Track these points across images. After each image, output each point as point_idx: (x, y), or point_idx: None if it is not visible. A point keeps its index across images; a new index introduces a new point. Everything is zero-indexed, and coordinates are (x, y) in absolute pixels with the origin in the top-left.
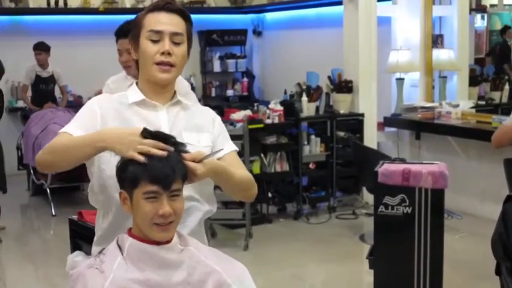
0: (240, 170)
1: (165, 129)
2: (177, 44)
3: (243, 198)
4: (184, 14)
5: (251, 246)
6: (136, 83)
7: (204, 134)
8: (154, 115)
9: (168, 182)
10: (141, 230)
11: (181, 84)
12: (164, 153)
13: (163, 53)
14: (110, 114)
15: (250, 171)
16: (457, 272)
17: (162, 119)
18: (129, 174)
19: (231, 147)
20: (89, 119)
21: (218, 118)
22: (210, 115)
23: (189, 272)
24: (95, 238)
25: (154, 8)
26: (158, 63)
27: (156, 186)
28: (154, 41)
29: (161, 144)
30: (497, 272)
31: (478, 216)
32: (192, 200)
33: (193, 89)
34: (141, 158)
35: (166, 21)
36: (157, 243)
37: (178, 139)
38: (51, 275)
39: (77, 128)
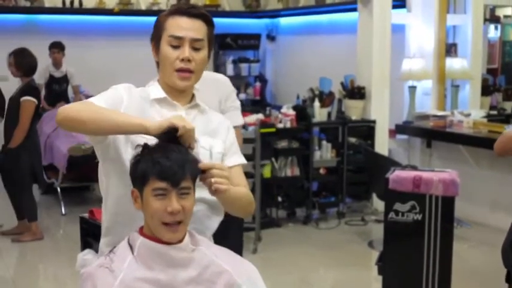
0: (242, 188)
1: None
2: (197, 49)
3: (240, 215)
4: (206, 18)
5: (260, 249)
6: (158, 81)
7: (218, 140)
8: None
9: (177, 179)
10: (151, 230)
11: (223, 84)
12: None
13: (183, 60)
14: (133, 106)
15: (261, 175)
16: (466, 281)
17: None
18: (139, 171)
19: (239, 159)
20: (114, 101)
21: (232, 128)
22: (225, 123)
23: (199, 272)
24: (102, 230)
25: (176, 11)
26: (178, 70)
27: (164, 182)
28: (175, 47)
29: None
30: (508, 279)
31: (488, 226)
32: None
33: None
34: (180, 124)
35: (188, 27)
36: (169, 242)
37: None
38: (60, 274)
39: (104, 102)
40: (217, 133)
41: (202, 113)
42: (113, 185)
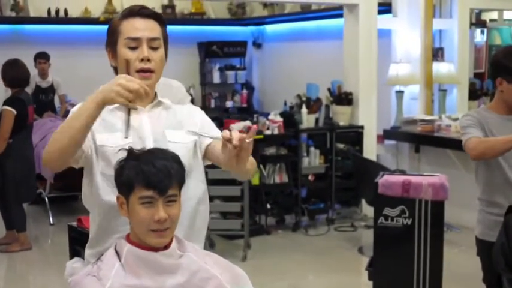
0: None
1: (148, 131)
2: (154, 48)
3: (245, 176)
4: (159, 18)
5: (249, 257)
6: None
7: (189, 129)
8: (137, 118)
9: (164, 187)
10: (138, 236)
11: (177, 90)
12: (146, 88)
13: (142, 60)
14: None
15: (249, 182)
16: (456, 285)
17: (144, 121)
18: (125, 178)
19: (218, 134)
20: None
21: (200, 111)
22: (191, 110)
23: (187, 278)
24: (88, 241)
25: (129, 14)
26: (138, 71)
27: (151, 191)
28: (132, 48)
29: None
30: (485, 280)
31: None
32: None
33: (192, 100)
34: (127, 104)
35: (143, 27)
36: (155, 249)
37: (161, 138)
38: (49, 283)
39: None
40: (185, 123)
41: (167, 109)
42: (94, 197)
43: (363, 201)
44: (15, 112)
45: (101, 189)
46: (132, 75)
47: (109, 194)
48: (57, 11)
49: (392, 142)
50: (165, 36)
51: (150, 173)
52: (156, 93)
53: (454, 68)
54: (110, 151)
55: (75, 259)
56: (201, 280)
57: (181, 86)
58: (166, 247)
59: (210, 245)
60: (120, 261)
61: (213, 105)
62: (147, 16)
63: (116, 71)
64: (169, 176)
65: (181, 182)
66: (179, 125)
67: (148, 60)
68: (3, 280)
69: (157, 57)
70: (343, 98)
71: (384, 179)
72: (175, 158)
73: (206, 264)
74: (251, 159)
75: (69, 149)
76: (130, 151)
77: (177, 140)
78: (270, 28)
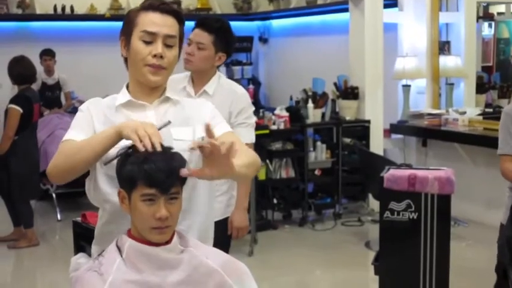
0: (242, 158)
1: None
2: (169, 46)
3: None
4: (178, 15)
5: (256, 252)
6: (127, 85)
7: (197, 125)
8: (142, 116)
9: (167, 186)
10: (139, 231)
11: (240, 97)
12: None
13: (155, 56)
14: (100, 119)
15: (256, 177)
16: (464, 279)
17: (150, 119)
18: (127, 174)
19: (226, 127)
20: (86, 124)
21: (210, 104)
22: (200, 103)
23: (189, 273)
24: (94, 238)
25: (149, 7)
26: (149, 66)
27: (153, 189)
28: (147, 42)
29: (158, 142)
30: (502, 273)
31: (484, 224)
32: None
33: None
34: (140, 147)
35: (161, 23)
36: (157, 244)
37: (167, 136)
38: (57, 279)
39: (78, 133)
40: (194, 118)
41: (175, 104)
42: (99, 197)
43: (370, 196)
44: (21, 111)
45: (106, 191)
46: (140, 69)
47: (114, 195)
48: (63, 8)
49: (399, 136)
50: (181, 35)
51: (152, 172)
52: (165, 89)
53: (461, 62)
54: (115, 152)
55: (80, 254)
56: (202, 275)
57: (245, 94)
58: (168, 242)
59: None
60: (121, 256)
61: None
62: (167, 12)
63: (126, 61)
64: (171, 174)
65: (183, 179)
66: (186, 121)
67: (161, 57)
68: (11, 276)
69: (171, 55)
70: (350, 93)
71: (389, 173)
72: (177, 155)
73: (207, 259)
74: (248, 158)
75: (79, 168)
76: (133, 146)
77: (183, 137)
78: (276, 23)
